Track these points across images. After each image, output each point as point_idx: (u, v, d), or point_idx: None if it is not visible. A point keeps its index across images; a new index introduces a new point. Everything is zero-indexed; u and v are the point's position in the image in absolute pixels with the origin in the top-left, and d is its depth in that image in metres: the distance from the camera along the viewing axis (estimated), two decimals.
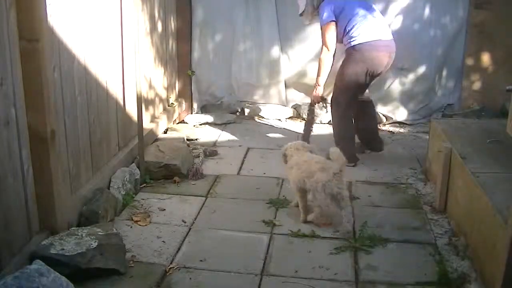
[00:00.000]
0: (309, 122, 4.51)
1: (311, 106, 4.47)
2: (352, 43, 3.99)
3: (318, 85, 4.22)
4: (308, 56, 5.27)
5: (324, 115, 5.40)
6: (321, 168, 3.13)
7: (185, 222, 3.24)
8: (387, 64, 4.09)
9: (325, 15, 4.04)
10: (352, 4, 4.05)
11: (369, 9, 4.11)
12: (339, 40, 4.13)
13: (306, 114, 4.66)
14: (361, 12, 4.03)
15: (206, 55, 5.46)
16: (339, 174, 3.09)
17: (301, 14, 4.33)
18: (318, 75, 4.19)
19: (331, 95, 4.29)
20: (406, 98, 5.36)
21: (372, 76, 4.06)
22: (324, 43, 4.10)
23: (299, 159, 3.29)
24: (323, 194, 3.07)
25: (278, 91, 5.54)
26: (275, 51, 5.39)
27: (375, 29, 4.01)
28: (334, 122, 4.28)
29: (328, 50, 4.08)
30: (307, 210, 3.23)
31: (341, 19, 4.04)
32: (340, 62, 4.18)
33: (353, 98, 4.12)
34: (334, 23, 4.04)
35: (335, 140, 4.24)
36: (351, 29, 4.00)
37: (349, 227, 3.13)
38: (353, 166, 4.15)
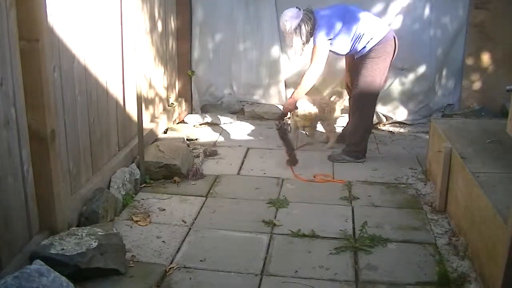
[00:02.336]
0: (286, 141, 4.22)
1: (281, 121, 4.28)
2: (374, 41, 4.03)
3: (294, 98, 4.22)
4: (308, 56, 5.25)
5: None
6: None
7: (185, 222, 3.24)
8: (397, 50, 4.19)
9: (321, 35, 4.00)
10: (348, 16, 4.05)
11: (362, 10, 4.19)
12: (345, 51, 4.15)
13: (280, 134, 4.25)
14: (361, 16, 4.08)
15: (206, 54, 5.46)
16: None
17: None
18: (298, 89, 4.17)
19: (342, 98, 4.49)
20: (406, 98, 5.37)
21: (388, 65, 4.17)
22: (313, 61, 4.07)
23: None
24: None
25: (278, 91, 5.54)
26: (275, 51, 5.39)
27: (380, 24, 4.14)
28: (358, 117, 4.25)
29: (316, 69, 4.09)
30: None
31: (344, 33, 4.04)
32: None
33: (379, 91, 4.26)
34: (329, 42, 4.04)
35: (350, 134, 4.35)
36: (364, 33, 4.02)
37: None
38: (363, 161, 4.33)
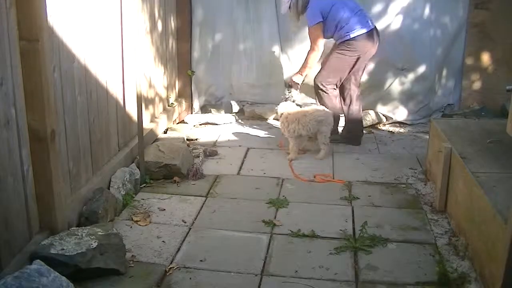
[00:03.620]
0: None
1: (289, 89, 4.72)
2: (351, 35, 4.30)
3: (301, 74, 4.59)
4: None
5: None
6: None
7: (185, 222, 3.24)
8: (375, 51, 4.49)
9: (313, 16, 4.34)
10: (339, 2, 4.34)
11: (354, 3, 4.43)
12: (329, 36, 4.45)
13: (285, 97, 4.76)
14: (350, 7, 4.35)
15: (206, 54, 5.46)
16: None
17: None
18: (304, 66, 4.55)
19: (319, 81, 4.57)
20: (406, 98, 5.36)
21: (359, 63, 4.44)
22: (313, 43, 4.43)
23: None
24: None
25: (278, 91, 5.53)
26: (275, 51, 5.39)
27: (365, 21, 4.36)
28: (325, 103, 4.52)
29: (317, 50, 4.43)
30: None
31: (331, 17, 4.33)
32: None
33: (340, 81, 4.52)
34: (322, 23, 4.32)
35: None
36: (345, 24, 4.32)
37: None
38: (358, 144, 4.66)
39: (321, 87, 4.49)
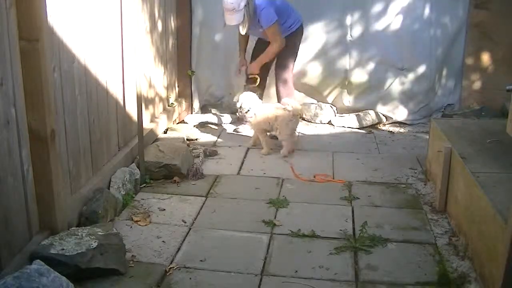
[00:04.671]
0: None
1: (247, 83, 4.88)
2: (295, 27, 4.66)
3: (257, 63, 4.73)
4: (308, 56, 5.27)
5: (323, 115, 5.40)
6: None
7: (185, 222, 3.24)
8: None
9: (271, 16, 4.48)
10: (279, 3, 4.61)
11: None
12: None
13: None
14: (287, 4, 4.68)
15: (206, 54, 5.45)
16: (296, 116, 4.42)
17: (225, 25, 4.65)
18: (264, 58, 4.67)
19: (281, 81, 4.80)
20: (406, 98, 5.36)
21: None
22: (276, 40, 4.57)
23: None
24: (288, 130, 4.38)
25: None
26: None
27: (297, 16, 4.72)
28: (284, 93, 4.81)
29: (281, 45, 4.59)
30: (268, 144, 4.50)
31: (278, 13, 4.53)
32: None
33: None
34: (278, 21, 4.52)
35: None
36: (287, 19, 4.60)
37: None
38: None
39: (283, 91, 4.78)
